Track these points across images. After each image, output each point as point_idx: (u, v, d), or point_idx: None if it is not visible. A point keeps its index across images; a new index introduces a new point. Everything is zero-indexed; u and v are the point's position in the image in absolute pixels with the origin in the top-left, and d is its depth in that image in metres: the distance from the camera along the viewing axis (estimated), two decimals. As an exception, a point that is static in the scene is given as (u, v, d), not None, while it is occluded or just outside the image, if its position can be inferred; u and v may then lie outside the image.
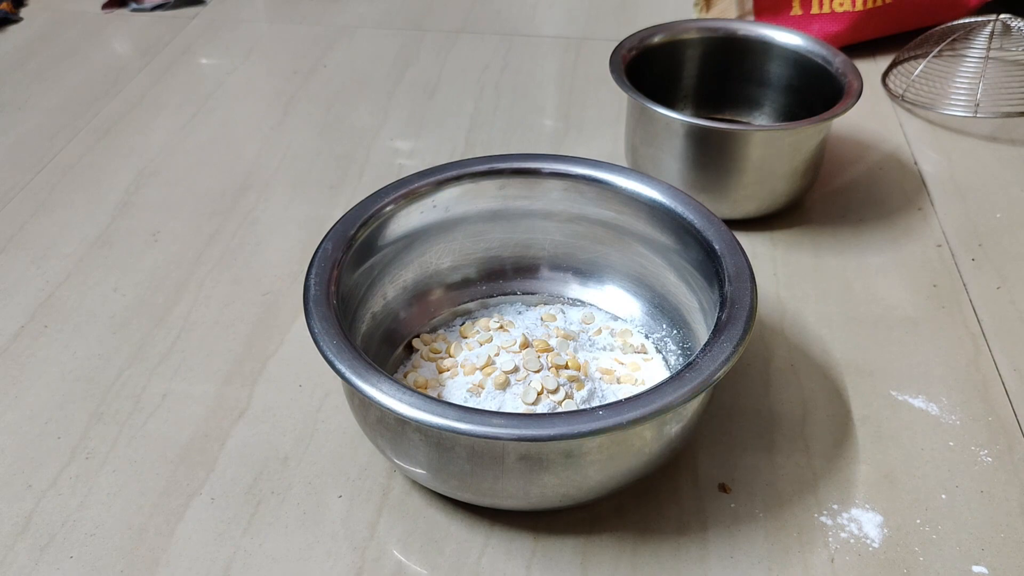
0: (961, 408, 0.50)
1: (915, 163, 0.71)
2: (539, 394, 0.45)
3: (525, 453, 0.39)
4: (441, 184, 0.51)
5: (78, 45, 0.89)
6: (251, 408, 0.50)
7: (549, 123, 0.77)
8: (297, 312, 0.57)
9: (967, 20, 0.78)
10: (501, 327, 0.50)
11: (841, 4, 0.83)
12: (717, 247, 0.46)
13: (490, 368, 0.47)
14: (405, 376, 0.49)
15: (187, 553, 0.43)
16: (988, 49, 0.75)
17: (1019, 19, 0.76)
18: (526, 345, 0.48)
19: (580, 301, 0.55)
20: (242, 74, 0.85)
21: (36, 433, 0.49)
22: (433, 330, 0.53)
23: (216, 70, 0.85)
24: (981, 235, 0.63)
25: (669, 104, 0.64)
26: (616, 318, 0.54)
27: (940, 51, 0.78)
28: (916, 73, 0.77)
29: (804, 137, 0.60)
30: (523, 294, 0.55)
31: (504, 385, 0.46)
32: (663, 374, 0.50)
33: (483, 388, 0.46)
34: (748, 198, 0.62)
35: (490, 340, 0.49)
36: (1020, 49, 0.77)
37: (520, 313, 0.53)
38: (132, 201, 0.67)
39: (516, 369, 0.46)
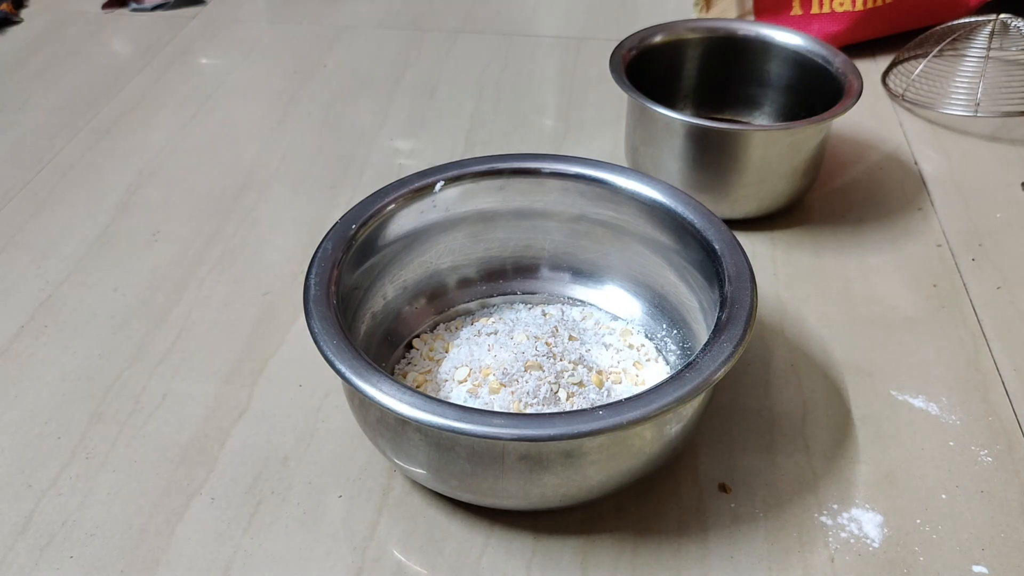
0: (961, 408, 0.50)
1: (915, 163, 0.71)
2: (539, 394, 0.45)
3: (525, 453, 0.39)
4: (441, 184, 0.51)
5: (78, 45, 0.89)
6: (251, 408, 0.50)
7: (549, 123, 0.77)
8: (297, 312, 0.57)
9: (967, 20, 0.78)
10: (501, 327, 0.50)
11: (841, 4, 0.83)
12: (717, 247, 0.46)
13: (490, 368, 0.47)
14: (405, 376, 0.49)
15: (187, 553, 0.43)
16: (988, 49, 0.75)
17: (1019, 19, 0.76)
18: (525, 345, 0.48)
19: (580, 301, 0.55)
20: (242, 74, 0.85)
21: (36, 433, 0.49)
22: (433, 329, 0.53)
23: (216, 70, 0.85)
24: (981, 235, 0.63)
25: (669, 104, 0.64)
26: (616, 318, 0.53)
27: (940, 51, 0.78)
28: (916, 73, 0.77)
29: (804, 137, 0.60)
30: (523, 294, 0.55)
31: (504, 385, 0.46)
32: (663, 374, 0.50)
33: (482, 388, 0.46)
34: (748, 198, 0.62)
35: (490, 340, 0.49)
36: (1020, 49, 0.77)
37: (520, 313, 0.53)
38: (132, 201, 0.67)
39: (516, 369, 0.46)
